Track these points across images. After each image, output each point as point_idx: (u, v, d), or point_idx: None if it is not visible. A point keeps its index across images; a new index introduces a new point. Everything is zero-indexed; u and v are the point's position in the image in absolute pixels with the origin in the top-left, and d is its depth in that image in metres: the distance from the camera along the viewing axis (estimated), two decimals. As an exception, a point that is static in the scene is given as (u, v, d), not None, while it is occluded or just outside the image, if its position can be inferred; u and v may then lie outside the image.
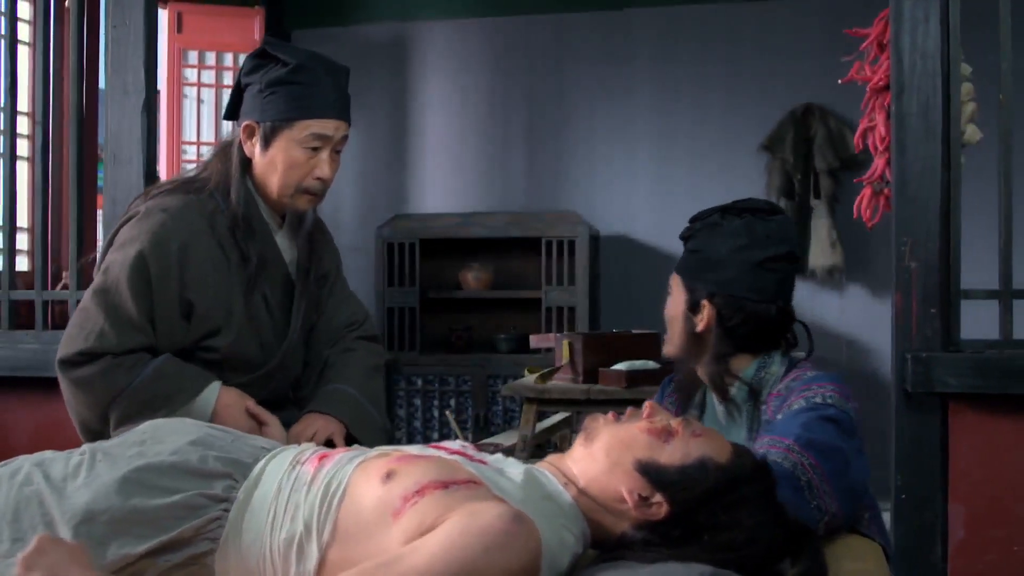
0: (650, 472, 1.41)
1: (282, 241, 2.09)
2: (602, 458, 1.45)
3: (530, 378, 4.12)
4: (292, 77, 1.95)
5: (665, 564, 1.28)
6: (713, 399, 1.98)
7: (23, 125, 4.10)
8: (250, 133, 2.00)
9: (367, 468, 1.44)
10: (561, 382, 4.10)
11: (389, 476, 1.40)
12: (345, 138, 2.05)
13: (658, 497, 1.40)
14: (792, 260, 1.94)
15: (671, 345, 1.98)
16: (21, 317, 3.29)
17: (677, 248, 6.11)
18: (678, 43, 5.80)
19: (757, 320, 1.89)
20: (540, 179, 5.98)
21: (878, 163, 3.32)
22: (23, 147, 4.09)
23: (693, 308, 1.92)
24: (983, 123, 2.82)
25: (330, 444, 2.00)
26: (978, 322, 2.83)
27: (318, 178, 2.01)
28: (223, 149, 2.06)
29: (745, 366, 1.91)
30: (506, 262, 5.80)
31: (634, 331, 4.39)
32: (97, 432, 1.89)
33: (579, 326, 5.41)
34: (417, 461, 1.44)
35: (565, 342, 4.19)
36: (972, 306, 2.70)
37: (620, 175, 5.90)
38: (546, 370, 4.16)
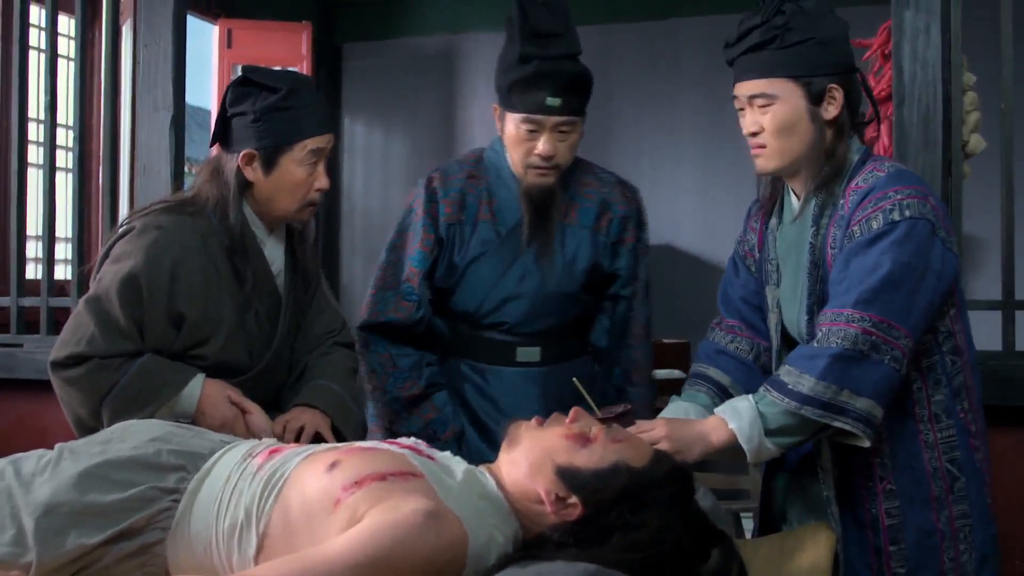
0: (566, 475, 1.47)
1: (270, 253, 2.20)
2: (523, 462, 1.52)
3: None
4: (284, 103, 2.09)
5: (551, 563, 1.33)
6: (791, 200, 1.98)
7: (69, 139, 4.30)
8: (249, 160, 2.11)
9: (314, 459, 1.53)
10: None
11: (333, 466, 1.48)
12: (332, 146, 2.19)
13: (573, 499, 1.46)
14: None
15: (780, 157, 1.89)
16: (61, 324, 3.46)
17: (722, 257, 5.93)
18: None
19: (864, 97, 1.91)
20: (584, 188, 6.02)
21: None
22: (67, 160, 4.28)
23: (818, 99, 1.86)
24: (985, 132, 2.80)
25: (318, 438, 2.09)
26: (980, 333, 2.80)
27: (319, 190, 2.15)
28: (213, 173, 2.15)
29: None
30: (549, 271, 5.82)
31: (665, 340, 4.40)
32: (91, 429, 1.99)
33: (619, 335, 5.41)
34: (362, 453, 1.52)
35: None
36: (973, 317, 2.67)
37: (665, 184, 5.90)
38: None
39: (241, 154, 2.10)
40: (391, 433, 2.37)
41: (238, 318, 2.11)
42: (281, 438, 2.05)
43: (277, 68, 2.42)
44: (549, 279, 2.41)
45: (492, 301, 2.41)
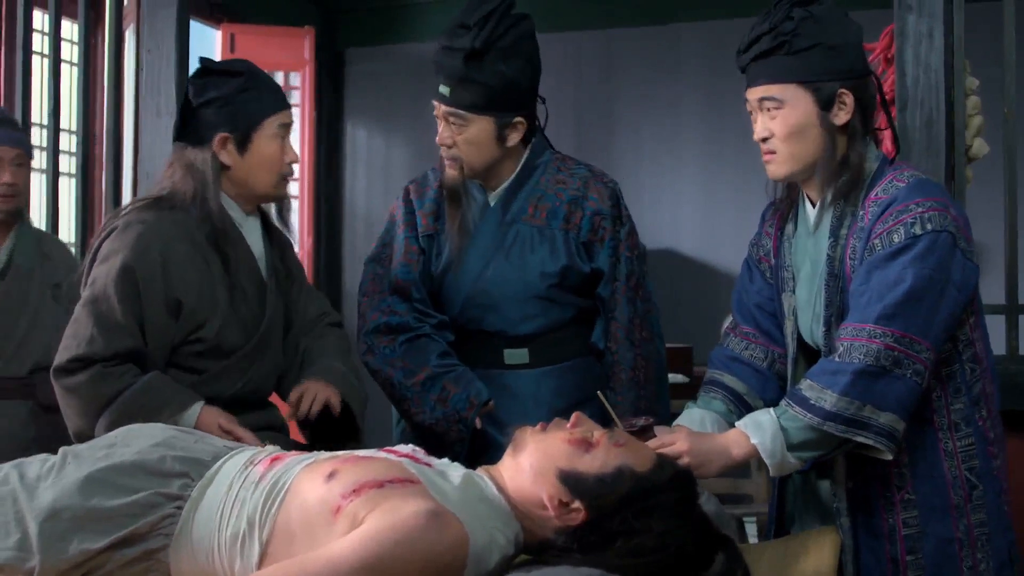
0: (569, 480, 1.47)
1: (249, 236, 2.26)
2: (527, 467, 1.52)
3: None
4: (247, 84, 2.19)
5: (555, 568, 1.33)
6: (806, 207, 1.97)
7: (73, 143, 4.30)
8: (223, 143, 2.17)
9: (314, 468, 1.53)
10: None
11: (332, 475, 1.49)
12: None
13: (576, 504, 1.46)
14: None
15: (791, 163, 1.88)
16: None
17: (724, 262, 5.86)
18: (725, 57, 5.69)
19: (876, 100, 1.91)
20: (586, 193, 6.02)
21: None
22: (70, 165, 4.29)
23: (827, 104, 1.85)
24: (988, 136, 2.80)
25: (326, 411, 2.13)
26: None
27: (290, 162, 2.25)
28: (187, 168, 2.18)
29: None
30: (551, 276, 5.81)
31: (667, 345, 4.38)
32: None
33: (621, 340, 5.40)
34: (360, 462, 1.52)
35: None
36: (977, 321, 2.68)
37: (666, 189, 5.90)
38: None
39: (215, 139, 2.15)
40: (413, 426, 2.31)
41: (230, 300, 2.16)
42: (297, 404, 2.11)
43: (233, 60, 2.49)
44: (519, 283, 2.34)
45: (471, 308, 2.36)
